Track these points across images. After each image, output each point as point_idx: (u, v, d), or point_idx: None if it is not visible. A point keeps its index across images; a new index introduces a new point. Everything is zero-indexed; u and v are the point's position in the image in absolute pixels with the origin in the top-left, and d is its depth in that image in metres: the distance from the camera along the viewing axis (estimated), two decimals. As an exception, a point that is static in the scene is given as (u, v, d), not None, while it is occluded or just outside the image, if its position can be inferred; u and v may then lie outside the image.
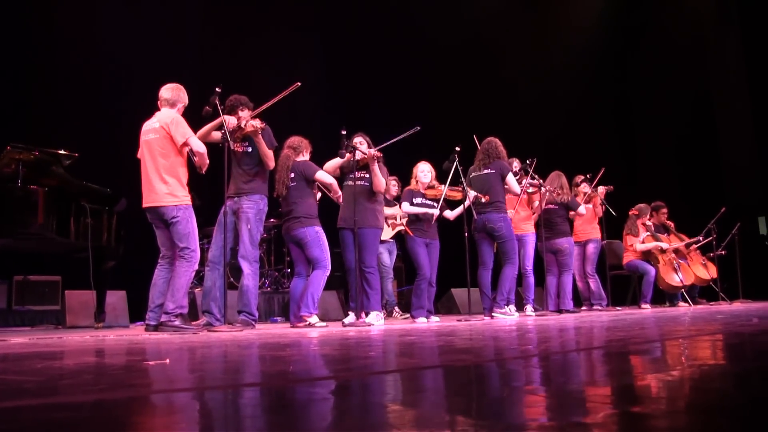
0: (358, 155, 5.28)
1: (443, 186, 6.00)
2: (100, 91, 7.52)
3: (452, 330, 4.05)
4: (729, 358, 2.16)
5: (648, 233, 8.44)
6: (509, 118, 9.98)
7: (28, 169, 5.10)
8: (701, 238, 8.79)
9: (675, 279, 8.23)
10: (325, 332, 4.32)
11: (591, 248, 7.62)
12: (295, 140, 5.40)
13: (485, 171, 6.27)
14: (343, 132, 5.14)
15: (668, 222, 8.90)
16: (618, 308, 7.82)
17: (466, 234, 5.97)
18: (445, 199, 6.06)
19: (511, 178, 6.28)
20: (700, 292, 8.96)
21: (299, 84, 4.90)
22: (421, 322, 5.63)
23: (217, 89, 4.64)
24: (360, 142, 5.39)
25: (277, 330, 4.85)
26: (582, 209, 7.36)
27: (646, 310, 7.50)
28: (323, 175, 5.24)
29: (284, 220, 5.32)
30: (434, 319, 5.89)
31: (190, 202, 4.57)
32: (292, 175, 5.22)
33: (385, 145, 5.47)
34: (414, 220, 6.06)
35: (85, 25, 7.68)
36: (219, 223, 4.93)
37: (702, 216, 9.06)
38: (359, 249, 5.29)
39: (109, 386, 1.67)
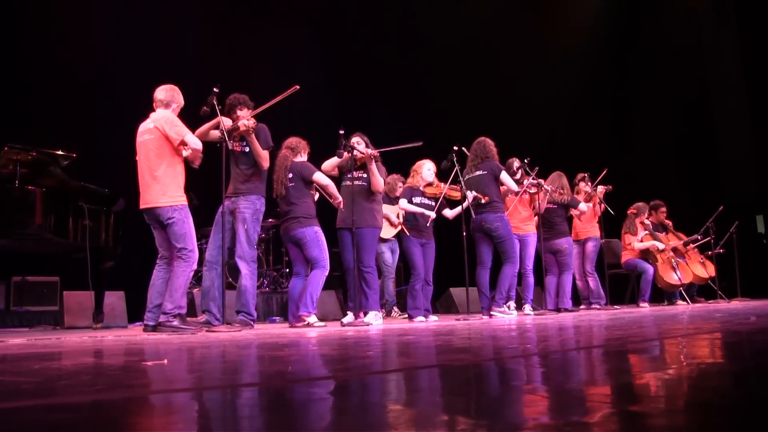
0: (357, 155, 5.28)
1: (443, 185, 6.01)
2: (98, 91, 7.51)
3: (451, 329, 4.05)
4: (727, 357, 2.16)
5: (646, 232, 8.45)
6: (508, 118, 9.99)
7: (26, 170, 5.09)
8: (699, 237, 8.80)
9: (673, 277, 8.24)
10: (323, 332, 4.32)
11: (590, 247, 7.63)
12: (293, 141, 5.40)
13: (477, 173, 6.28)
14: (341, 132, 5.14)
15: (666, 221, 8.91)
16: (616, 307, 7.83)
17: (465, 233, 5.97)
18: (444, 198, 6.07)
19: (505, 177, 6.28)
20: (699, 290, 8.96)
21: (298, 87, 4.90)
22: (419, 322, 5.63)
23: (214, 89, 4.63)
24: (358, 141, 5.38)
25: (276, 330, 4.85)
26: (583, 206, 7.37)
27: (645, 308, 7.51)
28: (320, 177, 5.24)
29: (283, 220, 5.32)
30: (433, 318, 5.89)
31: (186, 203, 4.56)
32: (291, 175, 5.23)
33: (383, 150, 5.46)
34: (410, 219, 6.06)
35: (83, 25, 7.67)
36: (217, 222, 4.93)
37: (700, 214, 9.07)
38: (358, 249, 5.29)
39: (107, 387, 1.67)
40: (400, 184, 6.80)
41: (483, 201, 6.03)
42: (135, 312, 6.02)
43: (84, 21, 7.69)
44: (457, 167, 5.97)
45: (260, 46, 9.04)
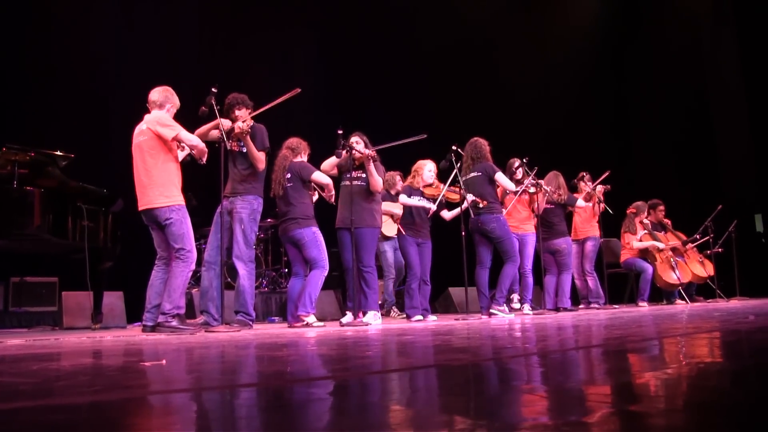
0: (355, 155, 5.27)
1: (442, 185, 6.01)
2: (96, 91, 7.51)
3: (450, 329, 4.05)
4: (726, 356, 2.16)
5: (645, 231, 8.45)
6: (507, 118, 10.01)
7: (24, 170, 5.08)
8: (698, 236, 8.81)
9: (672, 277, 8.24)
10: (322, 332, 4.32)
11: (589, 246, 7.64)
12: (293, 141, 5.40)
13: (472, 174, 6.28)
14: (340, 131, 5.14)
15: (665, 220, 8.92)
16: (615, 306, 7.84)
17: (463, 233, 5.97)
18: (443, 200, 6.07)
19: (500, 177, 6.27)
20: (698, 289, 8.97)
21: (299, 90, 4.89)
22: (417, 321, 5.64)
23: (213, 89, 4.63)
24: (357, 141, 5.38)
25: (275, 330, 4.85)
26: (580, 202, 7.38)
27: (644, 308, 7.51)
28: (319, 176, 5.24)
29: (281, 220, 5.32)
30: (431, 318, 5.89)
31: (183, 202, 4.56)
32: (289, 175, 5.22)
33: (387, 146, 5.46)
34: (407, 219, 6.05)
35: (81, 25, 7.67)
36: (215, 223, 4.93)
37: (699, 214, 9.08)
38: (357, 249, 5.29)
39: (105, 387, 1.67)
40: (399, 179, 6.80)
41: (481, 205, 6.03)
42: (134, 312, 6.01)
43: (83, 21, 7.69)
44: (456, 167, 5.97)
45: (259, 46, 9.04)
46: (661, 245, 8.34)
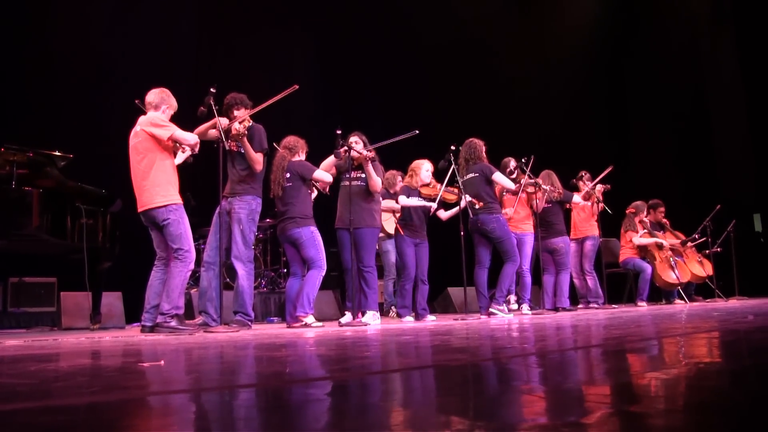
0: (353, 154, 5.27)
1: (439, 185, 6.01)
2: (95, 91, 7.49)
3: (449, 329, 4.05)
4: (725, 356, 2.16)
5: (645, 231, 8.46)
6: (505, 118, 10.01)
7: (23, 171, 5.07)
8: (697, 236, 8.81)
9: (671, 276, 8.24)
10: (321, 332, 4.31)
11: (589, 245, 7.64)
12: (291, 140, 5.39)
13: (469, 175, 6.28)
14: (338, 131, 5.14)
15: (664, 220, 8.92)
16: (614, 306, 7.84)
17: (462, 233, 5.97)
18: (440, 200, 6.06)
19: (498, 177, 6.27)
20: (696, 289, 8.98)
21: (297, 87, 4.89)
22: (407, 321, 5.64)
23: (211, 90, 4.63)
24: (356, 141, 5.38)
25: (274, 330, 4.84)
26: (576, 197, 7.38)
27: (643, 307, 7.52)
28: (321, 174, 5.24)
29: (279, 220, 5.32)
30: (430, 318, 5.89)
31: (180, 202, 4.56)
32: (288, 175, 5.22)
33: (380, 144, 5.45)
34: (405, 218, 6.05)
35: (81, 25, 7.65)
36: (214, 223, 4.93)
37: (698, 214, 9.09)
38: (357, 249, 5.29)
39: (103, 388, 1.67)
40: (399, 179, 6.79)
41: (477, 207, 6.03)
42: (133, 313, 6.01)
43: (81, 21, 7.68)
44: (454, 167, 5.97)
45: (257, 46, 9.03)
46: (663, 241, 8.36)
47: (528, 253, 6.83)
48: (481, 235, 6.26)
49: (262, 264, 7.88)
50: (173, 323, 4.40)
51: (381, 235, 6.53)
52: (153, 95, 4.61)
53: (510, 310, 6.62)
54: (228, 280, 6.49)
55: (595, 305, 7.46)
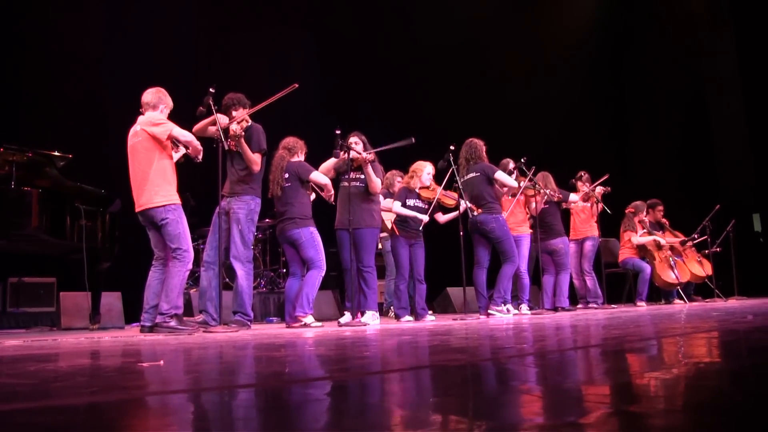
0: (353, 155, 5.27)
1: (439, 188, 6.00)
2: (94, 91, 7.49)
3: (448, 329, 4.05)
4: (724, 356, 2.16)
5: (645, 230, 8.46)
6: (504, 118, 10.01)
7: (22, 171, 5.07)
8: (696, 236, 8.82)
9: (671, 276, 8.25)
10: (320, 332, 4.31)
11: (588, 245, 7.65)
12: (290, 141, 5.39)
13: (470, 175, 6.27)
14: (338, 132, 5.13)
15: (663, 219, 8.92)
16: (614, 306, 7.84)
17: (461, 233, 5.97)
18: (438, 203, 6.06)
19: (501, 176, 6.27)
20: (696, 289, 8.98)
21: (297, 85, 4.88)
22: (407, 321, 5.64)
23: (210, 89, 4.63)
24: (356, 141, 5.38)
25: (273, 330, 4.84)
26: (573, 196, 7.39)
27: (642, 307, 7.52)
28: (318, 176, 5.23)
29: (279, 220, 5.32)
30: (429, 317, 5.89)
31: (179, 201, 4.56)
32: (287, 175, 5.22)
33: (377, 150, 5.44)
34: (401, 219, 6.04)
35: (79, 25, 7.65)
36: (213, 223, 4.93)
37: (697, 213, 9.09)
38: (357, 249, 5.29)
39: (103, 388, 1.67)
40: (399, 179, 6.78)
41: (475, 213, 6.02)
42: (132, 313, 6.01)
43: (80, 21, 7.67)
44: (453, 167, 5.97)
45: (256, 45, 9.03)
46: (662, 240, 8.36)
47: (525, 255, 6.83)
48: (480, 235, 6.25)
49: (262, 264, 7.88)
50: (172, 323, 4.40)
51: (383, 234, 6.53)
52: (149, 95, 4.61)
53: (509, 311, 6.62)
54: (227, 280, 6.49)
55: (595, 305, 7.47)
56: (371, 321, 5.16)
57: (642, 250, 8.41)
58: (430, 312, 6.20)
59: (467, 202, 5.99)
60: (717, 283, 8.93)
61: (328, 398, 1.46)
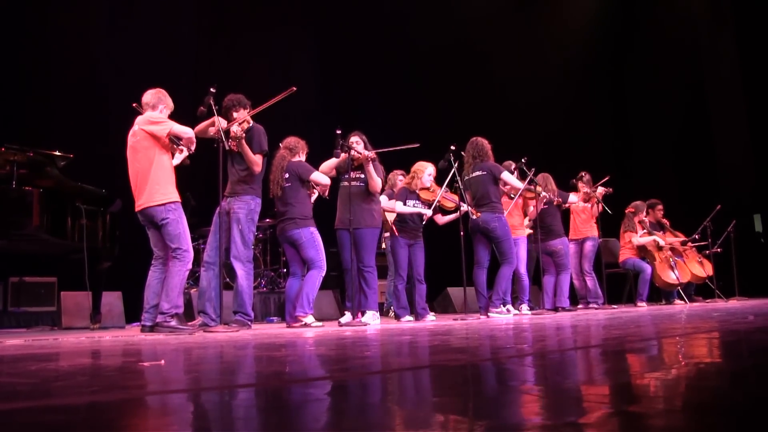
0: (353, 154, 5.27)
1: (439, 189, 5.99)
2: (94, 91, 7.50)
3: (448, 329, 4.05)
4: (725, 356, 2.16)
5: (644, 231, 8.46)
6: (505, 118, 10.00)
7: (23, 170, 5.08)
8: (697, 236, 8.81)
9: (671, 276, 8.24)
10: (321, 332, 4.31)
11: (588, 246, 7.64)
12: (291, 141, 5.39)
13: (476, 173, 6.26)
14: (338, 131, 5.14)
15: (664, 220, 8.92)
16: (614, 306, 7.84)
17: (462, 233, 5.97)
18: (438, 205, 6.05)
19: (507, 176, 6.28)
20: (696, 289, 8.98)
21: (294, 89, 4.89)
22: (407, 321, 5.64)
23: (211, 90, 4.63)
24: (357, 141, 5.38)
25: (273, 330, 4.84)
26: (572, 197, 7.38)
27: (643, 308, 7.52)
28: (318, 176, 5.23)
29: (279, 220, 5.32)
30: (430, 317, 5.89)
31: (178, 199, 4.56)
32: (287, 175, 5.22)
33: (380, 151, 5.44)
34: (401, 220, 6.03)
35: (79, 25, 7.66)
36: (214, 223, 4.93)
37: (698, 214, 9.08)
38: (358, 249, 5.29)
39: (103, 388, 1.67)
40: (401, 178, 6.77)
41: (474, 217, 6.02)
42: (133, 312, 6.01)
43: (80, 21, 7.68)
44: (454, 167, 5.96)
45: (257, 45, 9.04)
46: (662, 241, 8.36)
47: (523, 256, 6.84)
48: (481, 234, 6.24)
49: (262, 264, 7.88)
50: (173, 323, 4.40)
51: (387, 234, 6.52)
52: (149, 96, 4.62)
53: (509, 311, 6.62)
54: (228, 280, 6.48)
55: (595, 306, 7.46)
56: (372, 321, 5.16)
57: (642, 251, 8.41)
58: (431, 312, 6.19)
59: (467, 204, 5.99)
60: (718, 283, 8.93)
61: (328, 398, 1.46)
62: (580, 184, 7.72)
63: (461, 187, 6.03)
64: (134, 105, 4.75)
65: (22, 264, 6.63)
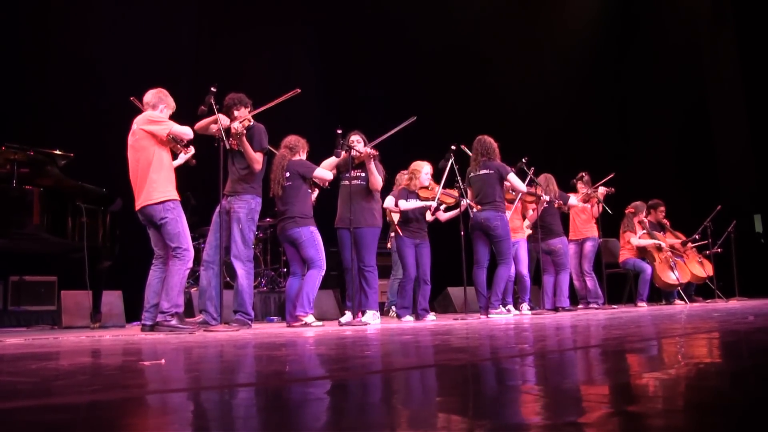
0: (354, 154, 5.27)
1: (438, 187, 5.99)
2: (94, 90, 7.50)
3: (449, 329, 4.05)
4: (725, 357, 2.16)
5: (644, 231, 8.45)
6: (505, 118, 9.99)
7: (24, 169, 5.08)
8: (697, 237, 8.81)
9: (671, 277, 8.24)
10: (321, 332, 4.32)
11: (588, 246, 7.64)
12: (292, 140, 5.38)
13: (483, 171, 6.25)
14: (339, 131, 5.13)
15: (664, 220, 8.92)
16: (614, 306, 7.83)
17: (462, 233, 5.97)
18: (438, 203, 6.05)
19: (513, 178, 6.27)
20: (696, 289, 8.97)
21: (299, 90, 4.89)
22: (407, 321, 5.64)
23: (212, 89, 4.63)
24: (357, 140, 5.38)
25: (273, 330, 4.85)
26: (573, 199, 7.37)
27: (643, 308, 7.51)
28: (322, 172, 5.23)
29: (279, 219, 5.31)
30: (430, 317, 5.89)
31: (178, 198, 4.56)
32: (288, 174, 5.21)
33: (381, 138, 5.44)
34: (404, 219, 6.03)
35: (80, 24, 7.66)
36: (214, 222, 4.93)
37: (698, 214, 9.08)
38: (358, 248, 5.29)
39: (104, 387, 1.67)
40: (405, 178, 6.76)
41: (475, 210, 6.02)
42: (133, 311, 6.01)
43: (81, 20, 7.68)
44: (455, 167, 5.96)
45: (257, 44, 9.03)
46: (662, 243, 8.35)
47: (524, 258, 6.84)
48: (482, 232, 6.23)
49: (262, 263, 7.87)
50: (173, 322, 4.40)
51: (393, 234, 6.52)
52: (150, 95, 4.62)
53: (509, 311, 6.62)
54: (228, 279, 6.48)
55: (595, 306, 7.46)
56: (372, 320, 5.16)
57: (642, 251, 8.41)
58: (432, 312, 6.19)
59: (467, 199, 5.99)
60: (718, 283, 8.92)
61: (328, 397, 1.46)
62: (579, 185, 7.71)
63: (461, 186, 6.02)
64: (132, 99, 4.75)
65: (23, 263, 6.63)
